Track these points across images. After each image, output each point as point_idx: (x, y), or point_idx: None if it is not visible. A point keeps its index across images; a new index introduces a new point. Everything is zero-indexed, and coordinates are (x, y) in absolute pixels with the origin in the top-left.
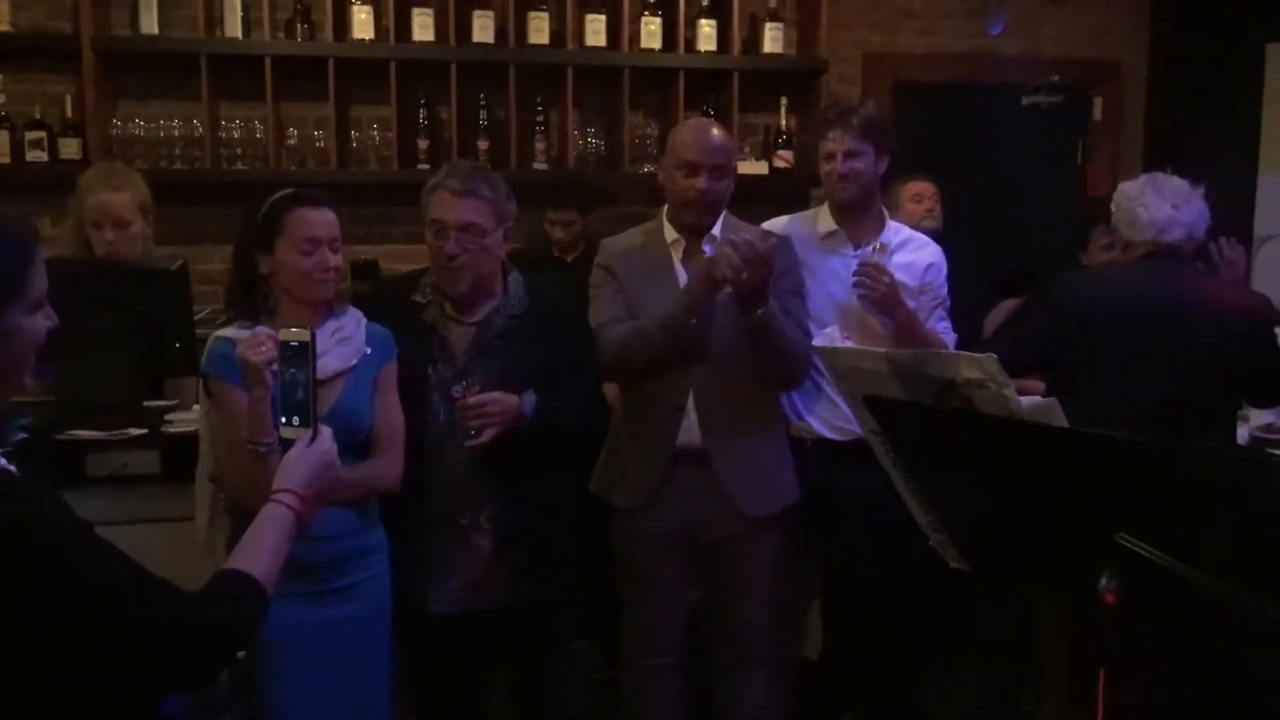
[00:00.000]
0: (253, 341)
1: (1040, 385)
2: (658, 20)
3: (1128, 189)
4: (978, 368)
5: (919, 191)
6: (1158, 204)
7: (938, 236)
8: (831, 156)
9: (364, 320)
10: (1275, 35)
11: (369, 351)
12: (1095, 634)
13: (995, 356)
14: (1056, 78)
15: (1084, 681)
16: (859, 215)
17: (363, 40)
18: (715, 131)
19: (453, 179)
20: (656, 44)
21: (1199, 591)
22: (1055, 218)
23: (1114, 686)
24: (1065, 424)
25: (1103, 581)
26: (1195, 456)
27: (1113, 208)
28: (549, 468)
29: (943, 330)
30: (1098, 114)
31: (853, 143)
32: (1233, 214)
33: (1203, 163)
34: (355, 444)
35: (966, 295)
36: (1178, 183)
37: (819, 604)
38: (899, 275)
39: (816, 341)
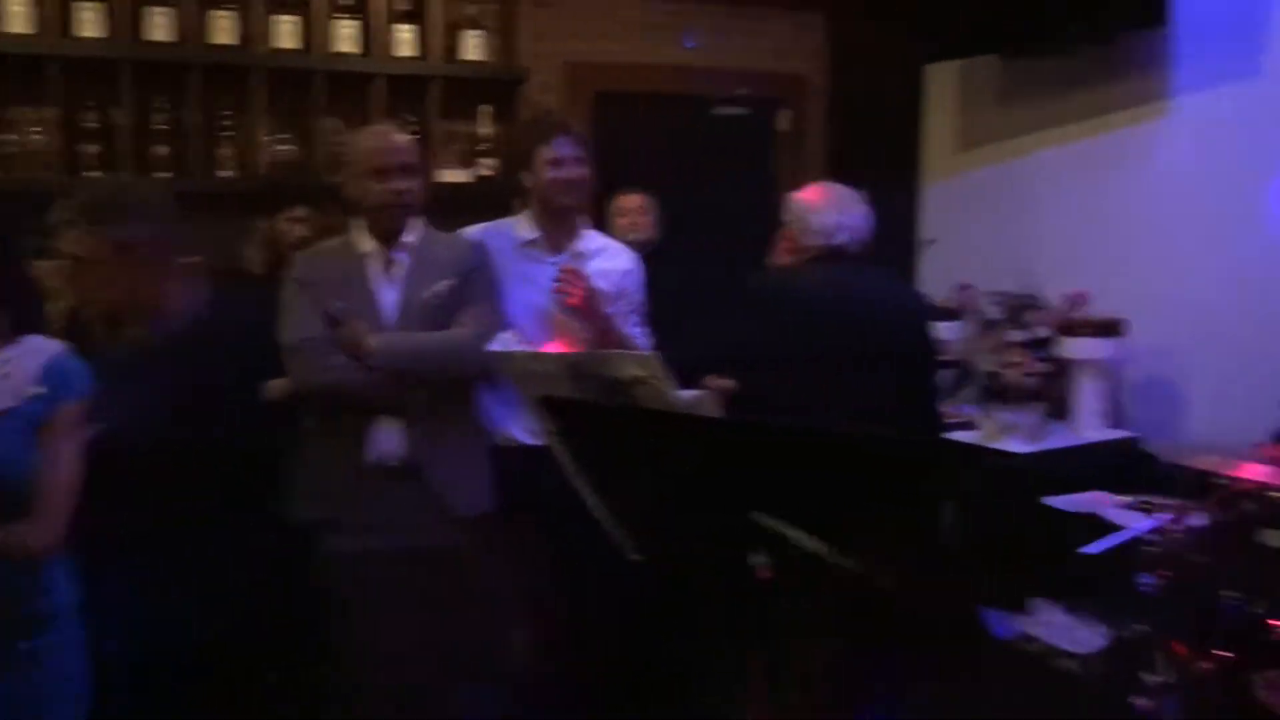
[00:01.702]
0: None
1: (729, 383)
2: (354, 24)
3: (798, 197)
4: (640, 365)
5: (627, 205)
6: (826, 210)
7: (650, 249)
8: (558, 163)
9: (56, 354)
10: (933, 57)
11: (40, 391)
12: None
13: (657, 354)
14: (746, 90)
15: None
16: (562, 223)
17: (19, 35)
18: (397, 134)
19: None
20: (352, 48)
21: (838, 568)
22: (752, 225)
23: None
24: (719, 414)
25: (754, 559)
26: (822, 437)
27: (787, 215)
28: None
29: (638, 335)
30: (784, 125)
31: (579, 149)
32: (901, 219)
33: (875, 172)
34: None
35: (680, 305)
36: (843, 190)
37: (540, 611)
38: (596, 282)
39: (491, 347)
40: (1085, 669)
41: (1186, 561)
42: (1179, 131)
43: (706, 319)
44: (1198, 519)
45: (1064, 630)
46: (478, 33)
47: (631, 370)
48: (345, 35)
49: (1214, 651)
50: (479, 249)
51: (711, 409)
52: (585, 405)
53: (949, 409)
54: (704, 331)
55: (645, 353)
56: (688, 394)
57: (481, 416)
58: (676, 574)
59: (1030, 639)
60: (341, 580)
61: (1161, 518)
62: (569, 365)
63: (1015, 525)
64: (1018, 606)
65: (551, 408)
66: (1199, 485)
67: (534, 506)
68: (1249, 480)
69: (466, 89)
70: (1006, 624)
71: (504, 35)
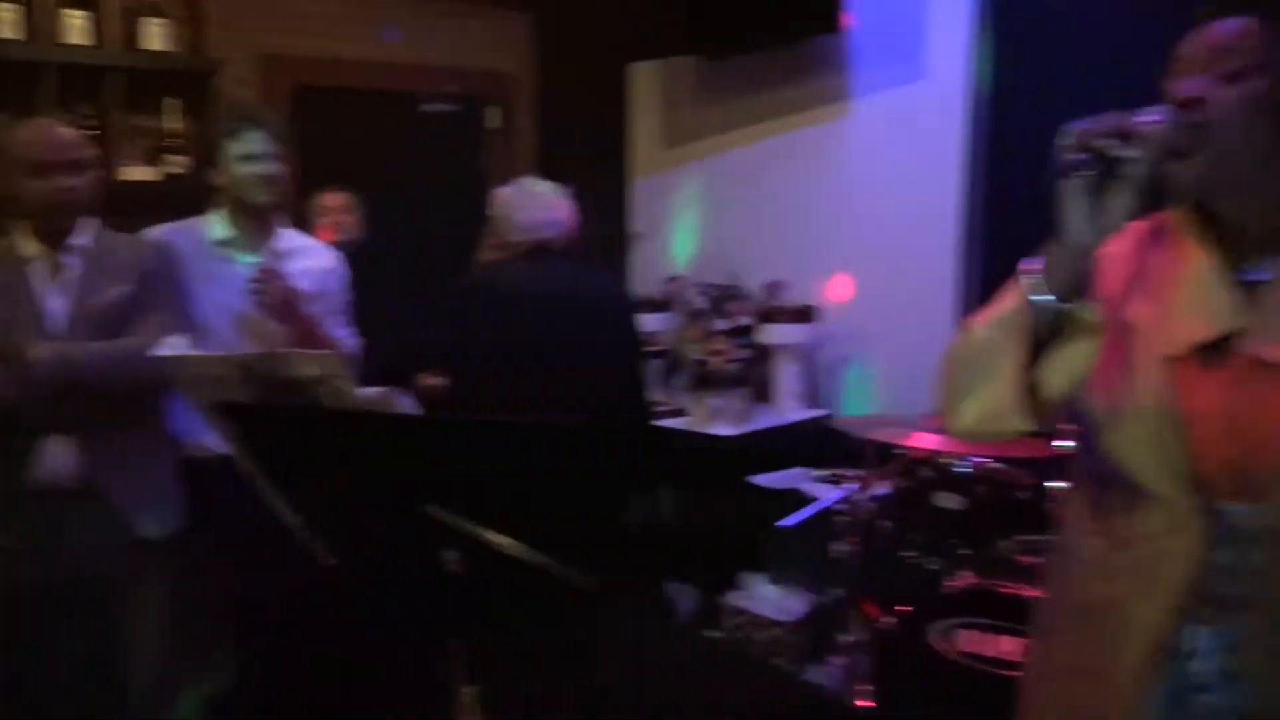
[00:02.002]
0: None
1: (440, 381)
2: (16, 8)
3: (503, 194)
4: (318, 365)
5: (330, 203)
6: (530, 207)
7: (355, 248)
8: (254, 158)
9: None
10: (636, 56)
11: None
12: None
13: (332, 353)
14: (453, 87)
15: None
16: (257, 221)
17: None
18: (60, 128)
19: None
20: (14, 34)
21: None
22: (463, 221)
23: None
24: (405, 411)
25: (445, 554)
26: (507, 429)
27: (492, 213)
28: None
29: (344, 336)
30: (494, 122)
31: (276, 145)
32: (611, 214)
33: (585, 168)
34: None
35: (390, 304)
36: (544, 186)
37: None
38: (296, 282)
39: (160, 352)
40: (791, 635)
41: (872, 527)
42: (859, 129)
43: (416, 317)
44: (881, 487)
45: (771, 601)
46: (160, 20)
47: (310, 370)
48: (7, 20)
49: (896, 608)
50: (161, 250)
51: (397, 406)
52: (265, 409)
53: (662, 396)
54: (413, 330)
55: (323, 352)
56: (371, 392)
57: (168, 428)
58: (372, 575)
59: (741, 611)
60: (6, 611)
61: (850, 488)
62: (241, 367)
63: (726, 505)
64: (731, 582)
65: (229, 413)
66: (881, 456)
67: (227, 519)
68: (922, 449)
69: (151, 81)
70: (688, 602)
71: (190, 24)
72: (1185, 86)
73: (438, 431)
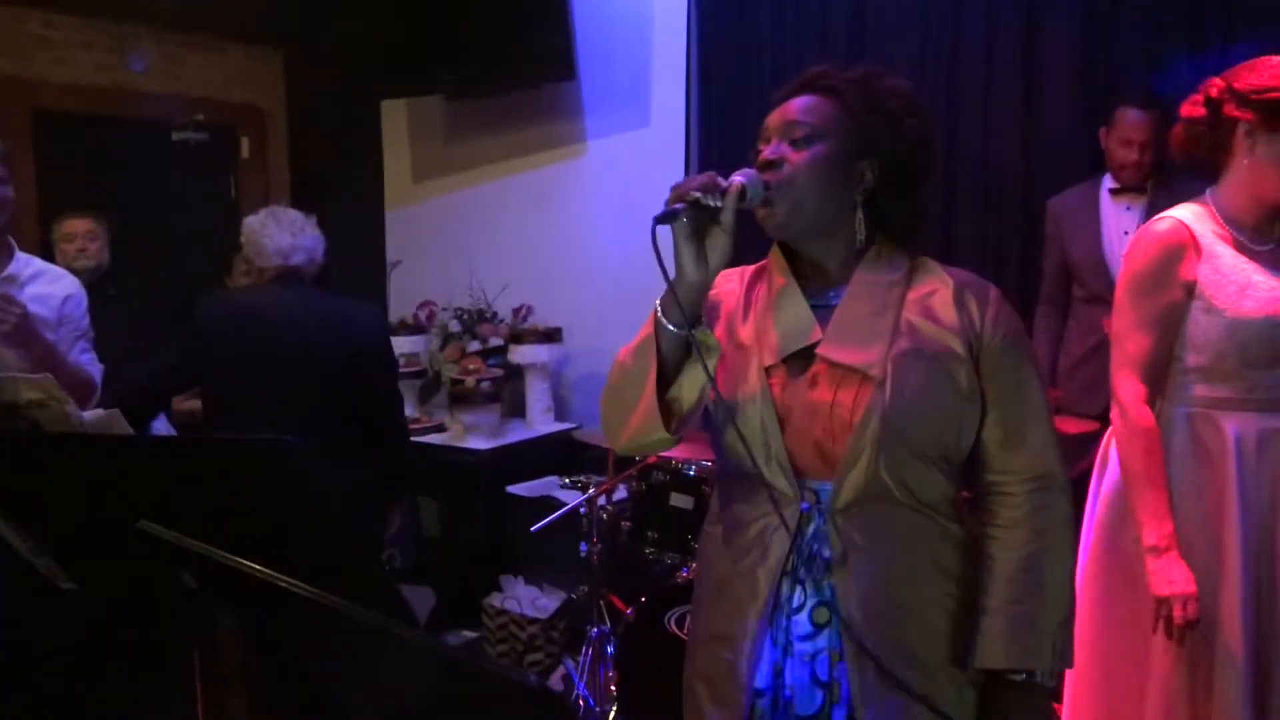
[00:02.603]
0: None
1: (195, 404)
2: None
3: (251, 221)
4: (37, 389)
5: (70, 230)
6: (279, 233)
7: (99, 273)
8: None
9: None
10: (387, 93)
11: None
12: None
13: (51, 376)
14: (202, 116)
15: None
16: None
17: None
18: None
19: None
20: None
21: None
22: (213, 250)
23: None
24: (129, 431)
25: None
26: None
27: (242, 239)
28: None
29: (87, 362)
30: (245, 152)
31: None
32: (367, 242)
33: (342, 198)
34: None
35: (135, 332)
36: (294, 214)
37: None
38: (33, 308)
39: None
40: (546, 629)
41: (615, 527)
42: (592, 169)
43: (163, 343)
44: (621, 491)
45: (528, 599)
46: None
47: (28, 394)
48: None
49: (641, 598)
50: None
51: (120, 427)
52: None
53: (421, 414)
54: (162, 353)
55: (39, 376)
56: (95, 414)
57: None
58: (112, 595)
59: (501, 610)
60: None
61: (593, 494)
62: None
63: (484, 513)
64: (493, 585)
65: None
66: (621, 464)
67: None
68: (656, 456)
69: None
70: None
71: None
72: (768, 150)
73: (149, 451)
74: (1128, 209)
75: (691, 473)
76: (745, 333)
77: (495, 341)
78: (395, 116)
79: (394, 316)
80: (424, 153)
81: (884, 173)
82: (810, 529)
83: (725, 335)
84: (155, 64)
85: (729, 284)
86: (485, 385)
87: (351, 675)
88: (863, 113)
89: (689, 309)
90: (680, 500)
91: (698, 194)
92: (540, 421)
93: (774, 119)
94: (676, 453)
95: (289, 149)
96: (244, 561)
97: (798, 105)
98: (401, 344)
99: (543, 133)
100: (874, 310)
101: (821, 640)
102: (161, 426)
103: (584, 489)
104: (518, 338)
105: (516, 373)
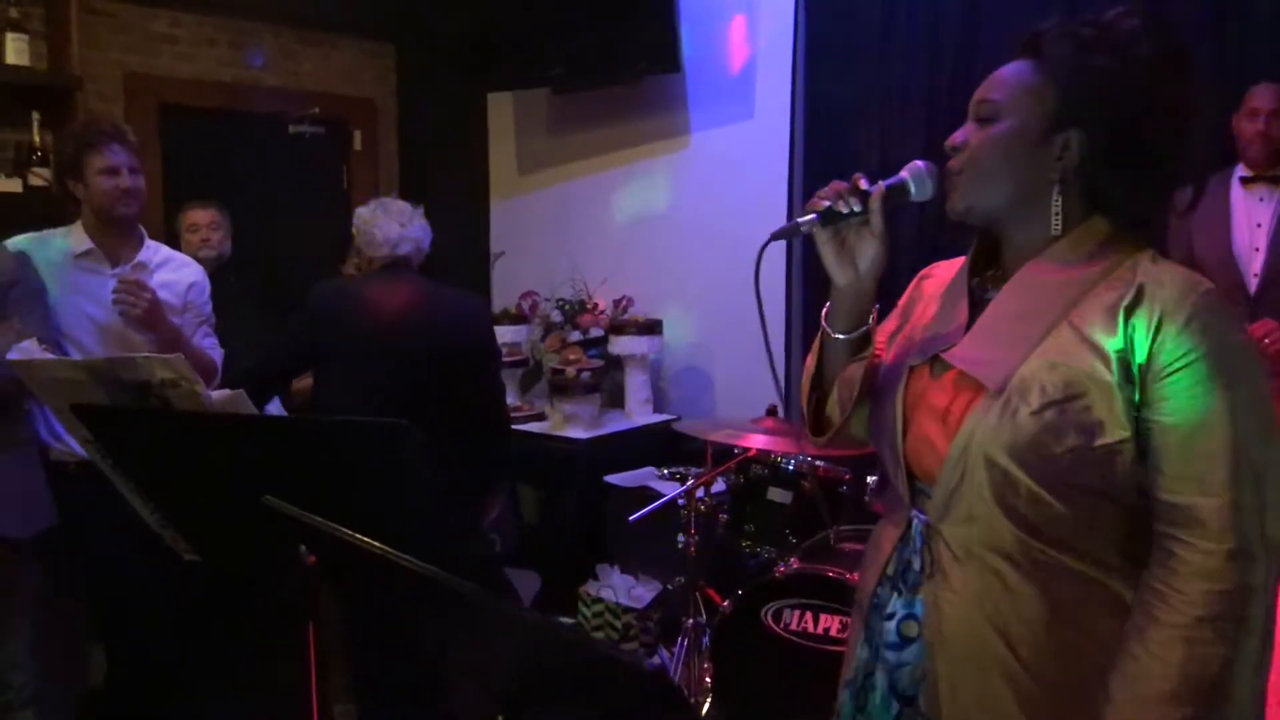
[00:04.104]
0: None
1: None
2: None
3: (362, 212)
4: (169, 368)
5: (195, 220)
6: (388, 223)
7: (222, 263)
8: (114, 171)
9: None
10: (494, 86)
11: None
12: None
13: (182, 356)
14: (318, 110)
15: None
16: (120, 234)
17: None
18: None
19: None
20: None
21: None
22: (326, 240)
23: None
24: (253, 411)
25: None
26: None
27: (353, 230)
28: None
29: (209, 347)
30: (358, 145)
31: (133, 159)
32: (472, 233)
33: (449, 190)
34: None
35: (252, 318)
36: (402, 205)
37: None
38: (161, 294)
39: (10, 356)
40: (641, 619)
41: (712, 520)
42: (695, 162)
43: (281, 328)
44: (719, 484)
45: (624, 588)
46: (20, 36)
47: (161, 373)
48: None
49: (737, 591)
50: (20, 260)
51: (245, 407)
52: (119, 411)
53: (522, 402)
54: (277, 337)
55: (172, 355)
56: (219, 394)
57: (27, 432)
58: (234, 569)
59: (597, 599)
60: None
61: (691, 485)
62: (90, 370)
63: (582, 502)
64: (589, 573)
65: (84, 415)
66: (720, 456)
67: (92, 520)
68: (755, 449)
69: (14, 95)
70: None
71: (53, 41)
72: (956, 134)
73: (272, 430)
74: (1261, 200)
75: (790, 467)
76: (918, 326)
77: (596, 332)
78: (501, 109)
79: (497, 306)
80: (529, 145)
81: (1095, 143)
82: (910, 534)
83: (884, 338)
84: (273, 59)
85: (949, 272)
86: (585, 375)
87: (460, 653)
88: (1070, 75)
89: (849, 314)
90: (778, 495)
91: (828, 201)
92: (639, 412)
93: (975, 95)
94: (775, 447)
95: (399, 141)
96: (364, 538)
97: (994, 78)
98: (504, 333)
99: (646, 125)
100: (1021, 313)
101: (907, 654)
102: (274, 407)
103: (682, 480)
104: (618, 329)
105: (616, 364)
